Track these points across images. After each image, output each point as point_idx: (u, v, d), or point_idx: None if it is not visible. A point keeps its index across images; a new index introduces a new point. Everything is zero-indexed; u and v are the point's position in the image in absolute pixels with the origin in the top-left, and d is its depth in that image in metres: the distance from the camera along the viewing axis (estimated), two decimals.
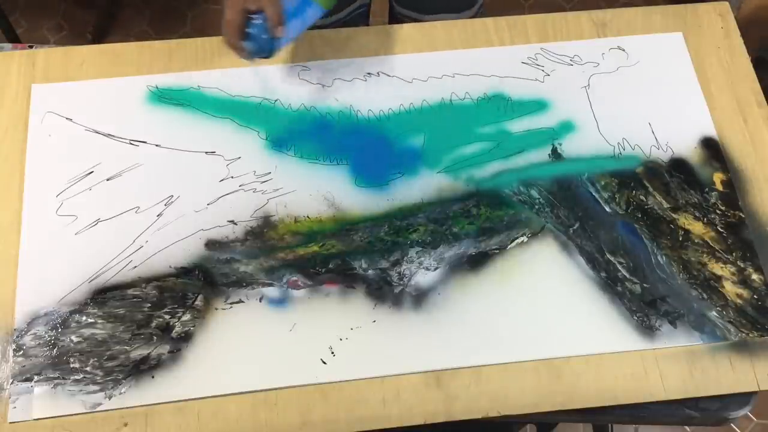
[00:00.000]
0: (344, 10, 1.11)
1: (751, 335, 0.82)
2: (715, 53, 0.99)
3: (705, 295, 0.84)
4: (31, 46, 1.34)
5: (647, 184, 0.90)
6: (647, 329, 0.82)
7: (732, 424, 1.47)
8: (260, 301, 0.83)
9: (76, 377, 0.78)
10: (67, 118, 0.92)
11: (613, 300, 0.84)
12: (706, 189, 0.90)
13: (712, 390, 0.80)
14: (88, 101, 0.93)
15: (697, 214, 0.89)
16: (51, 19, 1.96)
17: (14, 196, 0.87)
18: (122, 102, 0.93)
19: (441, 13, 1.09)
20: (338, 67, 0.97)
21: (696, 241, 0.87)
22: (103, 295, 0.82)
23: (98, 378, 0.78)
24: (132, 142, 0.91)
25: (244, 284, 0.83)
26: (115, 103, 0.93)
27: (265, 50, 0.82)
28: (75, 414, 0.76)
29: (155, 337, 0.80)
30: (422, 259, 0.85)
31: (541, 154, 0.92)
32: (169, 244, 0.85)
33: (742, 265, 0.86)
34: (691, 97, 0.96)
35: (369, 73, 0.97)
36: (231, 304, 0.82)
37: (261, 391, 0.78)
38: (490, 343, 0.81)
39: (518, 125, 0.94)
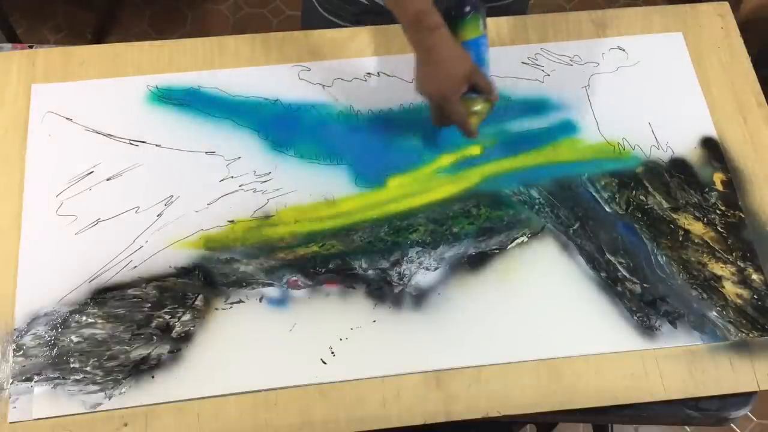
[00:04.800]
0: None
1: (751, 335, 0.82)
2: (715, 53, 0.99)
3: (705, 295, 0.84)
4: (31, 46, 1.33)
5: (647, 184, 0.90)
6: (647, 329, 0.82)
7: (732, 424, 1.47)
8: (260, 301, 0.83)
9: (76, 377, 0.78)
10: (67, 118, 0.92)
11: (613, 300, 0.84)
12: (706, 189, 0.90)
13: (712, 390, 0.80)
14: (88, 101, 0.93)
15: (697, 214, 0.89)
16: (51, 19, 1.96)
17: (14, 196, 0.87)
18: (122, 102, 0.93)
19: None
20: (338, 67, 0.97)
21: (696, 241, 0.87)
22: (103, 295, 0.82)
23: (98, 378, 0.78)
24: (132, 142, 0.91)
25: (244, 284, 0.83)
26: (115, 103, 0.93)
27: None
28: (75, 414, 0.76)
29: (155, 337, 0.80)
30: (422, 259, 0.85)
31: (542, 154, 0.92)
32: (169, 244, 0.85)
33: (742, 265, 0.86)
34: (691, 97, 0.96)
35: (369, 73, 0.97)
36: (231, 304, 0.82)
37: (261, 391, 0.78)
38: (490, 343, 0.81)
39: (518, 125, 0.94)
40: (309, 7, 1.08)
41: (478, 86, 0.81)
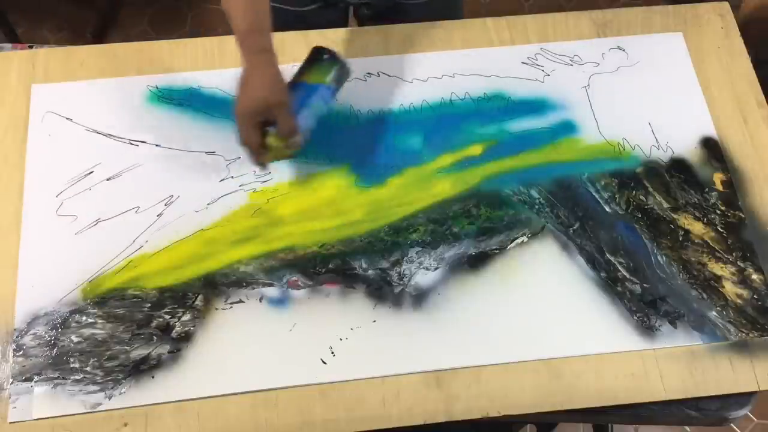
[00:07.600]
0: None
1: (751, 335, 0.82)
2: (715, 53, 0.99)
3: (705, 295, 0.84)
4: (31, 46, 1.34)
5: (647, 184, 0.90)
6: (647, 329, 0.82)
7: (732, 424, 1.47)
8: (260, 301, 0.83)
9: (76, 377, 0.78)
10: (67, 118, 0.92)
11: (614, 300, 0.84)
12: (706, 189, 0.90)
13: (712, 390, 0.80)
14: (88, 101, 0.93)
15: (697, 214, 0.89)
16: (51, 19, 1.95)
17: (14, 196, 0.87)
18: (122, 102, 0.93)
19: None
20: None
21: (696, 241, 0.87)
22: (103, 295, 0.82)
23: (98, 378, 0.78)
24: (132, 142, 0.91)
25: (244, 284, 0.83)
26: (115, 103, 0.93)
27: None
28: (75, 414, 0.76)
29: (155, 337, 0.80)
30: (422, 259, 0.85)
31: (542, 154, 0.92)
32: (169, 244, 0.85)
33: (742, 265, 0.86)
34: (691, 97, 0.96)
35: (369, 73, 0.97)
36: (231, 304, 0.82)
37: (261, 391, 0.78)
38: (490, 343, 0.81)
39: (518, 125, 0.94)
40: None
41: (277, 123, 0.79)
